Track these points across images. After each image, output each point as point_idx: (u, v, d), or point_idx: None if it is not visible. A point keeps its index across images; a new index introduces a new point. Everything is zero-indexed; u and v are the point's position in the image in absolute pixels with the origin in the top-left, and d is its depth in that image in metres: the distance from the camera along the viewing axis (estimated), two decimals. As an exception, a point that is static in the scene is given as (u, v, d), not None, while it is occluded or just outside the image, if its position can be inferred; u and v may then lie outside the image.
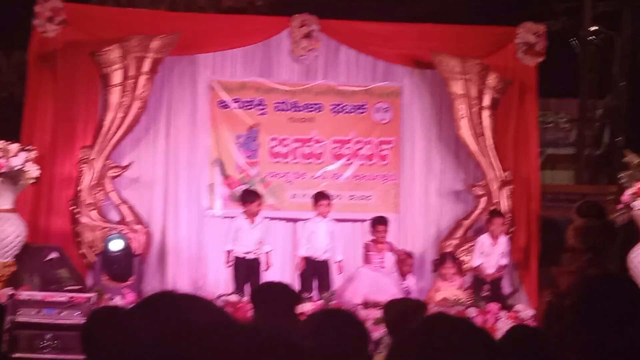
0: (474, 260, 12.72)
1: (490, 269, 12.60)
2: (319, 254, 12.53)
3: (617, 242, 12.56)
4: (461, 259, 13.04)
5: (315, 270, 12.50)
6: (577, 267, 11.31)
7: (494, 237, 12.65)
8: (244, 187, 13.57)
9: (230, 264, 12.43)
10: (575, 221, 12.65)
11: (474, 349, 2.74)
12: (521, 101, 14.11)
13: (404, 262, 12.85)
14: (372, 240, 12.71)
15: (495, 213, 12.96)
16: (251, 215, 12.49)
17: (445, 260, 12.61)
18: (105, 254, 12.39)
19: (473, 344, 2.75)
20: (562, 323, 2.86)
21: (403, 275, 12.79)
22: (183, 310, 2.14)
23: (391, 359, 3.53)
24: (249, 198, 12.64)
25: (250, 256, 12.43)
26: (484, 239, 12.73)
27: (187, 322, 2.05)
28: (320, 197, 12.77)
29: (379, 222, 12.74)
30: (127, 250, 12.40)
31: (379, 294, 11.57)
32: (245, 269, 12.30)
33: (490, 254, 12.60)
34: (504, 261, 12.70)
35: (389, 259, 12.67)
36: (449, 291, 12.23)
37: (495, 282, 12.67)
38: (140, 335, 2.02)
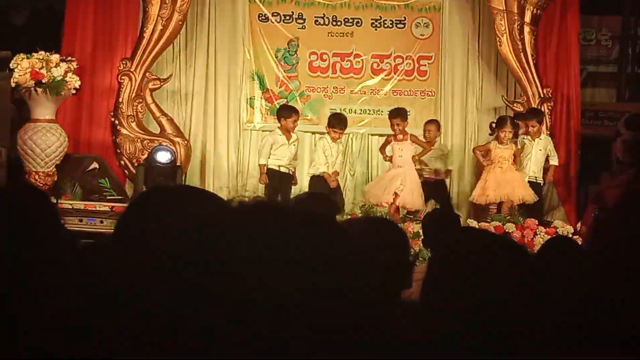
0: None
1: (536, 171, 12.52)
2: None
3: None
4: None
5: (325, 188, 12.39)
6: (623, 181, 11.21)
7: (534, 136, 12.56)
8: (282, 101, 13.61)
9: (264, 176, 12.45)
10: (624, 134, 12.51)
11: (507, 263, 2.78)
12: (562, 17, 13.95)
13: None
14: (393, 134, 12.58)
15: (534, 114, 12.83)
16: (287, 131, 12.48)
17: (504, 123, 12.40)
18: (150, 164, 12.41)
19: (507, 258, 2.79)
20: (609, 237, 2.86)
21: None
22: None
23: (430, 272, 3.59)
24: (285, 113, 12.61)
25: (283, 169, 12.46)
26: (523, 137, 12.66)
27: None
28: (336, 122, 12.61)
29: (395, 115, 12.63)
30: (173, 163, 12.44)
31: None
32: (278, 181, 12.33)
33: (528, 149, 12.50)
34: (553, 161, 12.64)
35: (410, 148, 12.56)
36: (508, 177, 12.16)
37: (536, 190, 12.50)
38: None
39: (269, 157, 12.43)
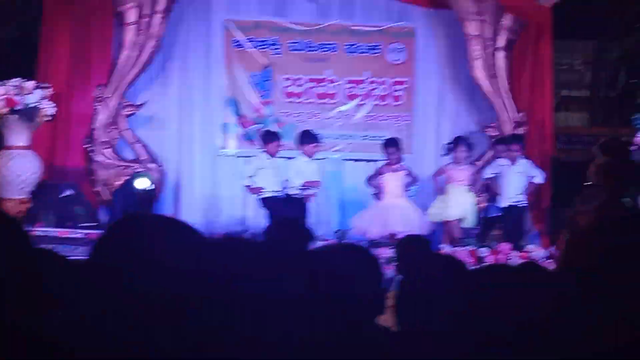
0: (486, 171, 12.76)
1: (515, 189, 12.54)
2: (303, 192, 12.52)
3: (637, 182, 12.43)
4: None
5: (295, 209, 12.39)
6: (597, 206, 11.30)
7: (512, 160, 12.61)
8: (257, 126, 13.64)
9: (257, 197, 12.42)
10: (598, 158, 12.59)
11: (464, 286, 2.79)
12: (536, 42, 14.06)
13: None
14: (387, 164, 12.64)
15: (513, 139, 12.87)
16: (271, 156, 12.46)
17: (459, 143, 12.49)
18: (129, 190, 12.39)
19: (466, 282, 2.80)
20: (581, 260, 2.89)
21: None
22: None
23: (399, 296, 3.60)
24: (269, 138, 12.62)
25: (280, 194, 12.41)
26: (501, 160, 12.70)
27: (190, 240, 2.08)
28: (307, 138, 12.56)
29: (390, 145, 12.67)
30: (151, 191, 12.44)
31: (399, 225, 11.75)
32: (278, 206, 12.23)
33: (508, 173, 12.52)
34: (537, 179, 12.63)
35: (404, 179, 12.59)
36: (457, 197, 12.19)
37: (517, 213, 12.61)
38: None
39: (252, 179, 12.35)
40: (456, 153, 12.38)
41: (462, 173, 12.32)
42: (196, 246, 2.03)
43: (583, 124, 16.69)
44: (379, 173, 12.62)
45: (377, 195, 12.59)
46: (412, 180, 12.66)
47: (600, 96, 16.77)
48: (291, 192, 12.38)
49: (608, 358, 2.56)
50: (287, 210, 11.96)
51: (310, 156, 12.51)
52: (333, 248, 4.36)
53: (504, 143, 12.86)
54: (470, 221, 12.35)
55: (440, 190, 12.47)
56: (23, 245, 2.86)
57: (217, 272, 1.89)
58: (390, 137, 12.99)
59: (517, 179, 12.53)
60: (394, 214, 12.18)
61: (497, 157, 12.93)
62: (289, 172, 12.48)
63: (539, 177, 12.68)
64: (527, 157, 13.07)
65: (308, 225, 7.64)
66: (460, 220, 12.31)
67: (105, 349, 1.90)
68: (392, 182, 12.43)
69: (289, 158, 13.00)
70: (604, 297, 2.70)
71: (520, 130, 13.33)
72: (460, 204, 12.26)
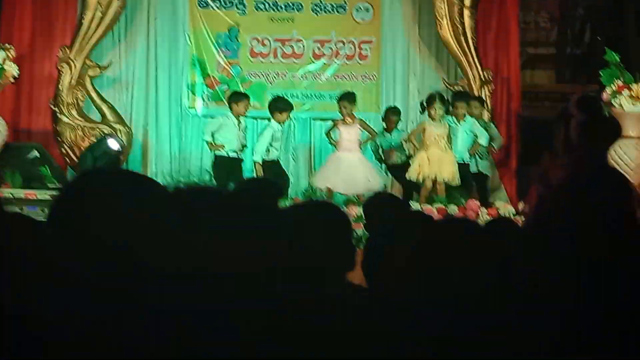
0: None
1: (462, 152, 12.47)
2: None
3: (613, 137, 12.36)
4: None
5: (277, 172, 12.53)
6: (570, 162, 11.34)
7: (460, 118, 12.56)
8: (224, 86, 13.59)
9: (215, 154, 12.47)
10: (577, 116, 12.56)
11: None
12: (502, 0, 14.06)
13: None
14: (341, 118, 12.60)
15: (458, 96, 12.87)
16: (237, 116, 12.45)
17: (434, 100, 12.39)
18: (101, 151, 12.36)
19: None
20: (552, 215, 2.89)
21: None
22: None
23: (368, 253, 3.60)
24: (236, 98, 12.59)
25: (234, 155, 12.42)
26: (449, 118, 12.59)
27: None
28: (281, 105, 12.61)
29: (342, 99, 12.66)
30: (119, 151, 12.43)
31: (353, 182, 11.79)
32: (227, 168, 12.28)
33: (454, 131, 12.43)
34: (481, 140, 12.51)
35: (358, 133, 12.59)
36: (435, 155, 12.12)
37: (463, 171, 12.48)
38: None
39: (212, 138, 12.38)
40: (430, 110, 12.29)
41: (441, 129, 12.23)
42: (158, 197, 2.01)
43: (549, 81, 16.72)
44: (334, 126, 12.61)
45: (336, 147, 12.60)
46: (369, 135, 12.66)
47: (567, 53, 16.80)
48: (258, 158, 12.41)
49: (577, 316, 2.57)
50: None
51: (280, 122, 12.51)
52: (304, 205, 4.37)
53: (455, 100, 12.75)
54: (452, 178, 12.22)
55: (418, 148, 12.35)
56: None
57: (180, 222, 1.87)
58: (345, 91, 12.96)
59: (463, 137, 12.48)
60: (351, 172, 12.20)
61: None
62: (261, 141, 12.47)
63: (483, 139, 12.54)
64: (491, 116, 13.11)
65: (276, 184, 7.64)
66: (442, 178, 12.22)
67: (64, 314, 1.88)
68: (346, 135, 12.43)
69: (255, 118, 12.98)
70: (575, 252, 2.70)
71: (483, 89, 13.31)
72: (440, 162, 12.16)
